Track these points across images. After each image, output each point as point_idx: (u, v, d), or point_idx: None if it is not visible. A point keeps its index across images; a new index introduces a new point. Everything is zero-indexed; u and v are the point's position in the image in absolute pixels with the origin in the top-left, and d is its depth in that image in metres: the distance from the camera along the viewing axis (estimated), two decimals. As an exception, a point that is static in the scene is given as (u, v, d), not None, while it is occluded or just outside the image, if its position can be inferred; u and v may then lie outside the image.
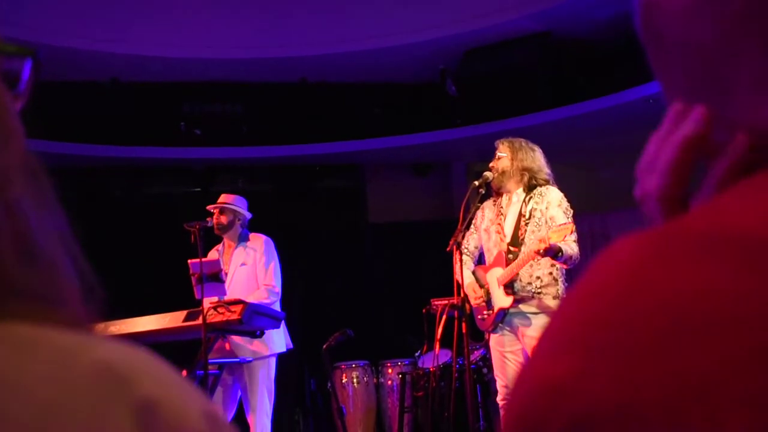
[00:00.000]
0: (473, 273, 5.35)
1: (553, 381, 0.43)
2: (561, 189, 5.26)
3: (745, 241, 0.42)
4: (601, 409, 0.41)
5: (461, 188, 9.37)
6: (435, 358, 6.06)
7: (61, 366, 0.56)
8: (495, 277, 5.16)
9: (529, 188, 5.17)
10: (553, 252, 4.80)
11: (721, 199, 0.47)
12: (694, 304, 0.41)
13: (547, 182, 5.18)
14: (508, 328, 5.13)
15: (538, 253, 4.81)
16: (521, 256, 5.02)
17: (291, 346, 6.25)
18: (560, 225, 4.93)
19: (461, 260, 5.16)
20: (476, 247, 5.43)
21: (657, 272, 0.43)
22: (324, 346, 7.27)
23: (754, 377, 0.38)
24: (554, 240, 4.77)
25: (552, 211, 5.03)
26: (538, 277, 5.05)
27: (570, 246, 4.88)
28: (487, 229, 5.34)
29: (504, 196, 5.29)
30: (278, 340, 6.06)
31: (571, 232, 4.93)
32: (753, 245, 0.42)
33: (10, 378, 0.55)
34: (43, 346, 0.57)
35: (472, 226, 5.43)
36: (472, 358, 5.26)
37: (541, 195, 5.12)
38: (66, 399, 0.55)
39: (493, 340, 5.20)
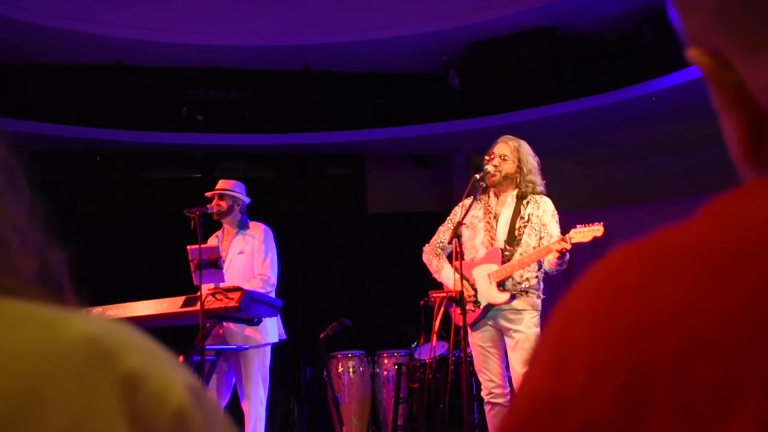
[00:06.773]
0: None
1: (554, 395, 0.44)
2: (559, 185, 5.36)
3: (737, 260, 0.42)
4: (603, 425, 0.41)
5: (462, 180, 9.35)
6: (432, 349, 6.06)
7: (45, 339, 0.57)
8: (486, 273, 5.22)
9: (523, 194, 5.24)
10: (565, 255, 4.99)
11: (715, 212, 0.47)
12: (693, 325, 0.41)
13: (542, 193, 5.31)
14: (491, 323, 5.20)
15: (559, 251, 4.96)
16: (522, 256, 5.15)
17: (284, 336, 6.26)
18: (587, 227, 5.04)
19: (461, 253, 5.18)
20: (450, 242, 5.44)
21: (657, 290, 0.43)
22: (321, 336, 7.27)
23: (755, 405, 0.39)
24: (576, 239, 4.95)
25: (545, 219, 5.21)
26: (527, 278, 5.19)
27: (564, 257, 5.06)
28: (471, 225, 5.34)
29: (492, 196, 5.31)
30: (271, 329, 6.06)
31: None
32: (746, 265, 0.42)
33: None
34: (26, 320, 0.58)
35: (448, 221, 5.47)
36: (468, 350, 5.27)
37: (536, 202, 5.26)
38: (52, 372, 0.55)
39: (474, 336, 5.24)
